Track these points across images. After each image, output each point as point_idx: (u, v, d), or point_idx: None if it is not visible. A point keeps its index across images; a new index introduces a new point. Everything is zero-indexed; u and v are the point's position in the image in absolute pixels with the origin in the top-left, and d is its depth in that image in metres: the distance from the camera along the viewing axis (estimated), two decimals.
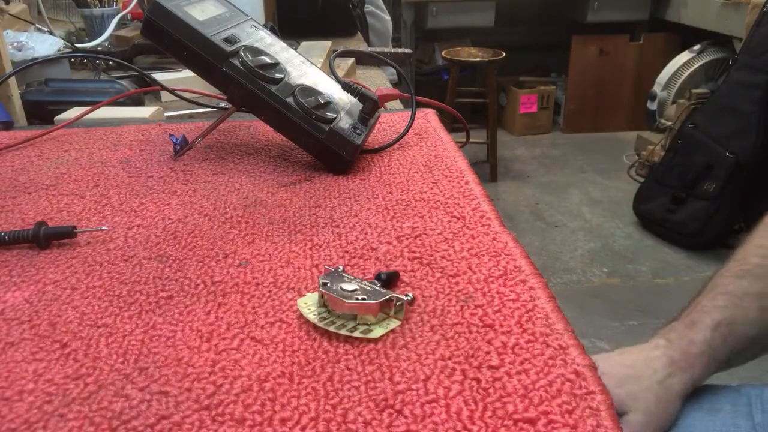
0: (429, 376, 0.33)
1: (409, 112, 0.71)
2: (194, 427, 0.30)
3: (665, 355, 0.55)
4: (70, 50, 1.21)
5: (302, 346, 0.36)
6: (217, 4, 0.67)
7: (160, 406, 0.32)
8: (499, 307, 0.39)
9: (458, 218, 0.51)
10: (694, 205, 2.34)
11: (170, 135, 0.67)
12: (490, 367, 0.34)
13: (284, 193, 0.57)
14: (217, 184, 0.59)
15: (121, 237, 0.49)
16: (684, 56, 3.04)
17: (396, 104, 0.89)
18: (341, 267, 0.41)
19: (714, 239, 2.33)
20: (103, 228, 0.50)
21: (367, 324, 0.37)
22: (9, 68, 0.83)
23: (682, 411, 0.60)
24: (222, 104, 0.86)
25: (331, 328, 0.36)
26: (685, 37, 3.26)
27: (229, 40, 0.61)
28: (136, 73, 0.95)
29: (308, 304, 0.39)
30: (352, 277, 0.40)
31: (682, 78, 3.00)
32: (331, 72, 0.69)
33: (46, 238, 0.47)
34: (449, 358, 0.35)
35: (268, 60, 0.61)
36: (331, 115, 0.60)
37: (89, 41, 1.32)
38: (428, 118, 0.77)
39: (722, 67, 2.95)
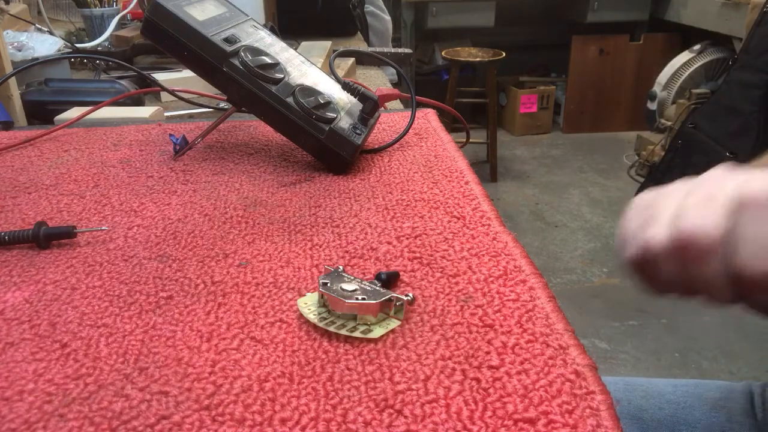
0: (429, 376, 0.33)
1: (409, 112, 0.71)
2: (194, 427, 0.30)
3: None
4: (70, 50, 1.21)
5: (302, 346, 0.36)
6: (217, 4, 0.67)
7: (160, 406, 0.32)
8: (499, 307, 0.39)
9: (458, 218, 0.51)
10: None
11: (170, 135, 0.67)
12: (490, 367, 0.34)
13: (284, 193, 0.57)
14: (217, 184, 0.59)
15: (121, 237, 0.49)
16: (684, 56, 3.04)
17: (396, 104, 0.89)
18: (341, 267, 0.41)
19: None
20: (103, 228, 0.50)
21: (367, 324, 0.37)
22: (9, 68, 0.83)
23: (688, 406, 0.60)
24: (222, 104, 0.86)
25: (331, 328, 0.36)
26: (685, 37, 3.26)
27: (229, 40, 0.61)
28: (136, 74, 0.95)
29: (308, 304, 0.39)
30: (352, 277, 0.40)
31: (682, 78, 3.00)
32: (331, 72, 0.69)
33: (46, 238, 0.47)
34: (449, 358, 0.35)
35: (268, 60, 0.61)
36: (331, 115, 0.60)
37: (89, 41, 1.32)
38: (428, 118, 0.77)
39: (722, 67, 2.95)
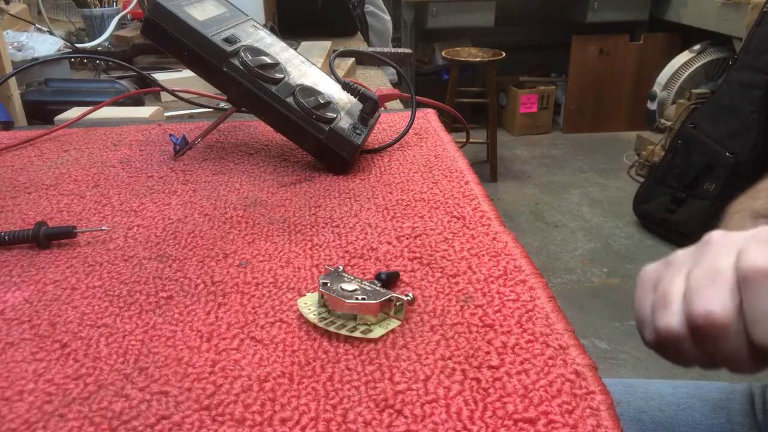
0: (429, 376, 0.33)
1: (409, 112, 0.71)
2: (194, 427, 0.30)
3: None
4: (70, 50, 1.21)
5: (302, 346, 0.36)
6: (217, 4, 0.67)
7: (160, 406, 0.32)
8: (499, 307, 0.39)
9: (458, 218, 0.51)
10: (694, 205, 2.35)
11: (170, 135, 0.67)
12: (490, 367, 0.34)
13: (284, 193, 0.57)
14: (217, 184, 0.59)
15: (121, 237, 0.49)
16: (684, 56, 3.04)
17: (396, 104, 0.89)
18: (341, 267, 0.41)
19: None
20: (103, 228, 0.50)
21: (367, 324, 0.37)
22: (9, 68, 0.83)
23: (688, 408, 0.60)
24: (222, 104, 0.86)
25: (331, 328, 0.36)
26: (685, 37, 3.26)
27: (229, 40, 0.61)
28: (136, 74, 0.95)
29: (308, 304, 0.39)
30: (352, 277, 0.40)
31: (682, 78, 3.00)
32: (331, 72, 0.69)
33: (46, 238, 0.47)
34: (449, 358, 0.35)
35: (268, 60, 0.61)
36: (331, 115, 0.60)
37: (89, 41, 1.32)
38: (428, 118, 0.77)
39: (722, 67, 2.95)
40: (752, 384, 0.62)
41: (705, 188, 2.31)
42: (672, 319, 0.35)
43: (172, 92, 0.76)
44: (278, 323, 0.38)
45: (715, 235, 0.36)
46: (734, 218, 0.49)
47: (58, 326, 0.38)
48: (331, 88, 0.66)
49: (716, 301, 0.33)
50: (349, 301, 0.37)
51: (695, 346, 0.34)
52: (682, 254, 0.37)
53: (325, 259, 0.45)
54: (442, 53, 3.02)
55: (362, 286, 0.39)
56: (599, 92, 3.57)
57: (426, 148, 0.67)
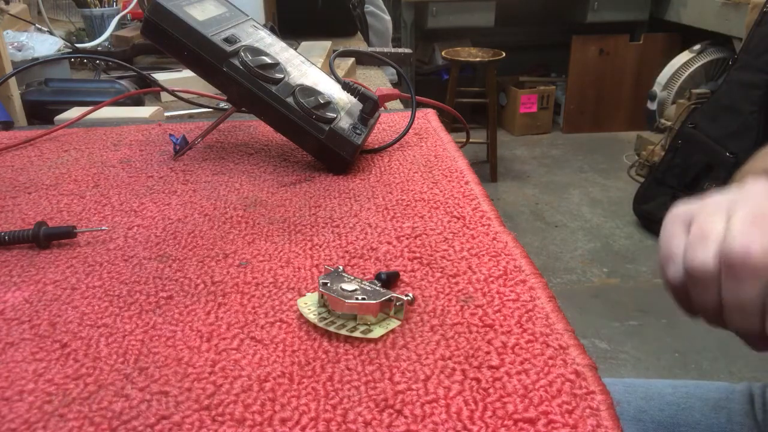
0: (429, 376, 0.33)
1: (409, 112, 0.71)
2: (194, 427, 0.30)
3: None
4: (70, 50, 1.21)
5: (302, 346, 0.36)
6: (217, 4, 0.67)
7: (160, 406, 0.32)
8: (499, 307, 0.39)
9: (458, 218, 0.51)
10: None
11: (170, 135, 0.67)
12: (490, 367, 0.34)
13: (284, 193, 0.57)
14: (217, 184, 0.59)
15: (121, 237, 0.49)
16: (684, 56, 3.04)
17: (396, 104, 0.89)
18: (341, 267, 0.41)
19: None
20: (103, 228, 0.50)
21: (367, 324, 0.37)
22: (9, 68, 0.83)
23: (688, 408, 0.60)
24: (222, 104, 0.86)
25: (331, 328, 0.36)
26: (685, 37, 3.26)
27: (229, 40, 0.61)
28: (136, 74, 0.95)
29: (308, 304, 0.39)
30: (352, 277, 0.40)
31: (682, 78, 3.01)
32: (331, 72, 0.69)
33: (46, 238, 0.47)
34: (449, 358, 0.35)
35: (268, 60, 0.61)
36: (331, 115, 0.60)
37: (89, 41, 1.32)
38: (428, 118, 0.77)
39: (722, 67, 2.96)
40: (752, 384, 0.62)
41: (705, 188, 2.31)
42: (708, 255, 0.35)
43: (172, 92, 0.76)
44: (278, 323, 0.38)
45: (756, 186, 0.36)
46: (748, 180, 0.49)
47: (58, 326, 0.38)
48: (331, 88, 0.66)
49: (759, 241, 0.33)
50: (349, 301, 0.37)
51: (722, 286, 0.34)
52: (719, 196, 0.37)
53: (325, 259, 0.45)
54: (442, 53, 3.02)
55: (362, 286, 0.39)
56: (599, 92, 3.57)
57: (426, 148, 0.67)
